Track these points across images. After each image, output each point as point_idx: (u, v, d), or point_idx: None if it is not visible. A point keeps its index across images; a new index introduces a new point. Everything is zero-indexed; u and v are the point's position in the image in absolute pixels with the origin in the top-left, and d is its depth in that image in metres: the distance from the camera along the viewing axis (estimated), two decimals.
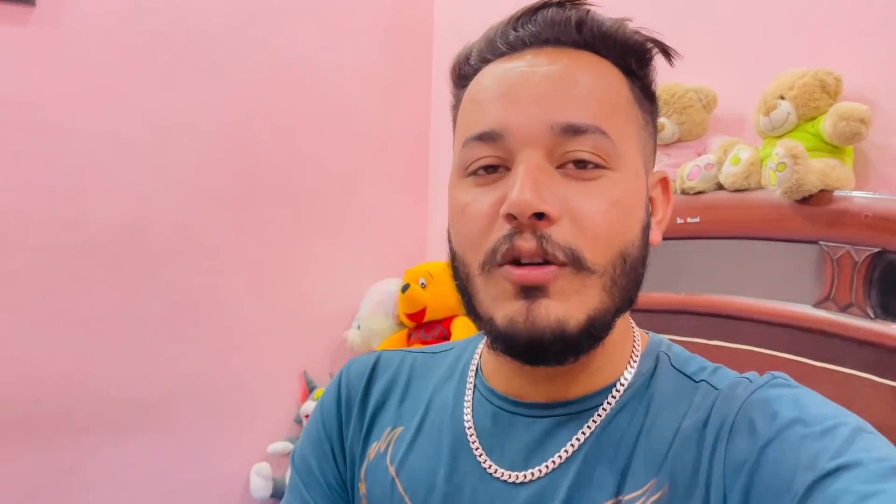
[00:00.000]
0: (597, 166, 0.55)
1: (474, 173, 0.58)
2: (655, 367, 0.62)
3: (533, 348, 0.54)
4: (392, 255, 2.28)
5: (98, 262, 1.87)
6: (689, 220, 1.36)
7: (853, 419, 0.51)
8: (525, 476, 0.58)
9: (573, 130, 0.54)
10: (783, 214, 1.21)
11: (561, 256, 0.53)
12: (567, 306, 0.54)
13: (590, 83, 0.56)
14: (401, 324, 2.09)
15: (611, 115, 0.56)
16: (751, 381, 0.57)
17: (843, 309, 1.13)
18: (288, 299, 2.15)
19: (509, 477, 0.59)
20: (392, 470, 0.66)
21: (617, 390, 0.60)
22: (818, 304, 1.17)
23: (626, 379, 0.60)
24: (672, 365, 0.62)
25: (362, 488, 0.68)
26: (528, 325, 0.53)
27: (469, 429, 0.63)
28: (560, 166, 0.55)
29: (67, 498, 1.86)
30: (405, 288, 1.98)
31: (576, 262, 0.54)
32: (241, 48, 2.04)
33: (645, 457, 0.56)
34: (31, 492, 1.82)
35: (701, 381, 0.59)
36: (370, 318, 2.11)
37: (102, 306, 1.88)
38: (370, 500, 0.67)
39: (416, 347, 0.79)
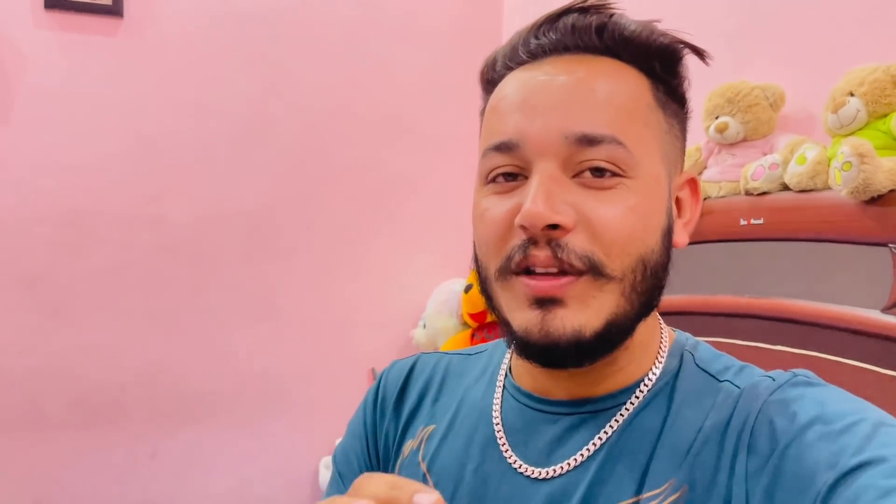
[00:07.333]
0: (613, 174, 0.55)
1: (494, 181, 0.58)
2: (680, 366, 0.61)
3: (548, 355, 0.55)
4: (458, 255, 2.30)
5: (177, 259, 1.98)
6: (752, 221, 1.32)
7: (874, 413, 0.50)
8: (547, 472, 0.59)
9: (588, 140, 0.54)
10: (851, 216, 1.17)
11: (577, 264, 0.54)
12: (585, 314, 0.54)
13: (608, 91, 0.56)
14: (465, 324, 2.11)
15: (628, 122, 0.55)
16: (773, 379, 0.57)
17: None
18: (357, 298, 2.21)
19: (532, 473, 0.60)
20: (424, 466, 0.68)
21: (641, 389, 0.60)
22: (887, 310, 1.12)
23: (650, 378, 0.60)
24: (696, 364, 0.61)
25: None
26: (543, 334, 0.54)
27: (497, 426, 0.65)
28: (576, 175, 0.55)
29: (150, 480, 1.98)
30: (468, 288, 2.01)
31: (594, 269, 0.54)
32: (312, 57, 2.12)
33: (665, 456, 0.56)
34: (118, 473, 1.95)
35: (725, 380, 0.58)
36: (435, 317, 2.14)
37: (181, 302, 2.00)
38: None
39: (454, 350, 0.81)
